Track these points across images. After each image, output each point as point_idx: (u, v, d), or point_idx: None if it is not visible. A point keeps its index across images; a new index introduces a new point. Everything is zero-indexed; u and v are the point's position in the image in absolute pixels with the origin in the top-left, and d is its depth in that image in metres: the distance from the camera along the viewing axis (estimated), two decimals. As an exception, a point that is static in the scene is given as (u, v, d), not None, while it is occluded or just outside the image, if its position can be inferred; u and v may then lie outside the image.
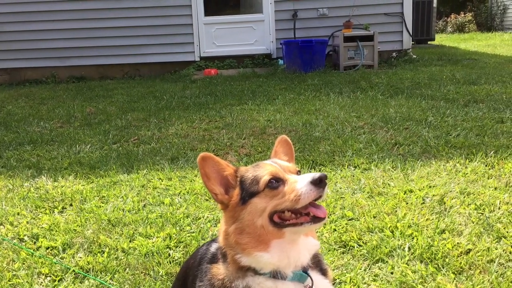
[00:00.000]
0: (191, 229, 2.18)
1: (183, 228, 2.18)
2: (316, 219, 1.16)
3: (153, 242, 2.05)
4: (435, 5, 11.02)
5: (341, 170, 2.82)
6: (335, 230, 2.11)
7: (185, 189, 2.63)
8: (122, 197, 2.54)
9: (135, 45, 7.45)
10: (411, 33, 7.43)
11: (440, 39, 12.97)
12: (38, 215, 2.38)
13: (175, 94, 5.57)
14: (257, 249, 1.17)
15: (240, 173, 1.24)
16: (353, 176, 2.72)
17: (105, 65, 7.55)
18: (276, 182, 1.18)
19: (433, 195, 2.38)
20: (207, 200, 2.48)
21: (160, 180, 2.79)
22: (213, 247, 1.30)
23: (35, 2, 7.29)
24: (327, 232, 2.10)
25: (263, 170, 1.20)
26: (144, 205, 2.45)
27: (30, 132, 4.08)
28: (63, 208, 2.45)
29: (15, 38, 7.37)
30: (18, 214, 2.38)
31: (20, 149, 3.57)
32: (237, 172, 1.25)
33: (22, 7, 7.28)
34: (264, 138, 3.58)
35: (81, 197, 2.57)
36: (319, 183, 1.14)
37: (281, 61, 7.18)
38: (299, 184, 1.16)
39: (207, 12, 7.50)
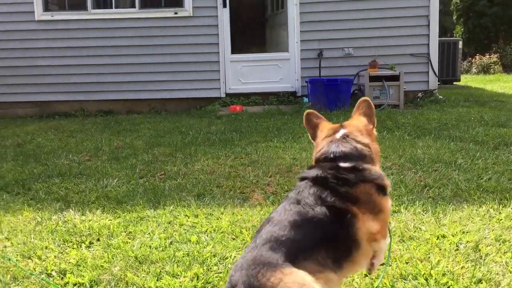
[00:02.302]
0: (218, 269, 2.14)
1: (210, 268, 2.15)
2: None
3: (181, 282, 2.02)
4: (460, 46, 11.03)
5: (370, 212, 2.77)
6: (366, 275, 2.05)
7: (212, 227, 2.61)
8: (149, 233, 2.53)
9: (162, 81, 7.60)
10: (437, 74, 7.41)
11: (465, 80, 12.91)
12: (66, 249, 2.38)
13: (201, 129, 5.62)
14: None
15: None
16: (383, 218, 2.67)
17: (132, 100, 7.70)
18: None
19: (467, 242, 2.31)
20: (233, 239, 2.45)
21: (187, 217, 2.78)
22: None
23: (66, 39, 7.53)
24: (358, 278, 2.04)
25: None
26: (171, 242, 2.43)
27: (59, 165, 4.14)
28: (90, 243, 2.45)
29: (46, 72, 7.59)
30: (46, 248, 2.38)
31: (49, 181, 3.62)
32: None
33: (54, 43, 7.53)
34: (290, 176, 3.56)
35: (108, 232, 2.56)
36: None
37: (306, 99, 7.22)
38: None
39: (234, 50, 7.64)
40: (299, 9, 7.35)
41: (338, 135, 1.63)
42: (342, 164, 1.53)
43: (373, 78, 6.75)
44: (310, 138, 1.78)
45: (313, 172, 1.55)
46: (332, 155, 1.57)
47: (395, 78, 6.76)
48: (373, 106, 1.78)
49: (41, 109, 7.69)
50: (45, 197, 3.23)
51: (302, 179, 1.57)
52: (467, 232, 2.42)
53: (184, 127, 5.85)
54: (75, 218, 2.79)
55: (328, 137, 1.65)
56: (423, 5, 7.20)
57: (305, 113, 1.79)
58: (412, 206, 2.81)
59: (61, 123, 6.73)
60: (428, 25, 7.23)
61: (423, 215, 2.68)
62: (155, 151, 4.59)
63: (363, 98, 1.81)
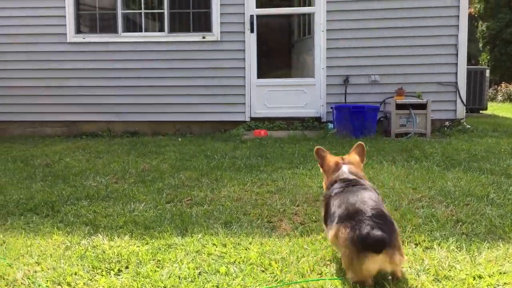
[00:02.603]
0: (248, 303, 2.11)
1: (240, 302, 2.11)
2: None
3: (211, 316, 1.99)
4: (487, 74, 10.92)
5: (401, 247, 2.71)
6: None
7: (240, 257, 2.58)
8: (178, 262, 2.51)
9: (188, 103, 7.68)
10: (465, 103, 7.32)
11: (492, 108, 12.74)
12: (95, 276, 2.37)
13: (226, 154, 5.63)
14: None
15: None
16: (415, 255, 2.60)
17: (158, 121, 7.79)
18: None
19: (505, 283, 2.23)
20: (263, 271, 2.42)
21: (215, 246, 2.76)
22: None
23: (96, 60, 7.69)
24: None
25: None
26: (199, 272, 2.41)
27: (87, 187, 4.18)
28: (119, 270, 2.44)
29: (76, 93, 7.75)
30: (75, 274, 2.38)
31: (78, 204, 3.65)
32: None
33: (84, 64, 7.69)
34: (318, 206, 3.51)
35: (137, 259, 2.55)
36: None
37: (330, 125, 7.20)
38: None
39: (259, 74, 7.69)
40: (326, 36, 7.39)
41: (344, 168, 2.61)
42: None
43: (399, 106, 6.70)
44: (320, 166, 2.74)
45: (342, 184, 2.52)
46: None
47: (422, 106, 6.71)
48: (365, 149, 2.75)
49: (69, 129, 7.83)
50: (74, 220, 3.25)
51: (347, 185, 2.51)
52: (504, 273, 2.34)
53: (209, 151, 5.87)
54: (103, 244, 2.79)
55: (335, 170, 2.62)
56: (451, 34, 7.17)
57: (315, 149, 2.71)
58: (445, 242, 2.74)
59: (88, 143, 6.82)
60: (457, 54, 7.19)
61: (457, 253, 2.61)
62: (181, 175, 4.60)
63: (359, 142, 2.75)
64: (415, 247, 2.71)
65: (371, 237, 2.05)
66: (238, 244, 2.79)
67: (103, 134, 7.67)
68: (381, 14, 7.29)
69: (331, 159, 2.65)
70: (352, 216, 2.19)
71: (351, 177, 2.54)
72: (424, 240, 2.79)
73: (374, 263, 2.07)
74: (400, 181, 4.17)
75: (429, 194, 3.76)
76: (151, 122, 7.79)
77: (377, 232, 2.06)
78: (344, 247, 2.15)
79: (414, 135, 6.56)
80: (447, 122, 7.26)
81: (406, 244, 2.75)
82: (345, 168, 2.59)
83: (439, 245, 2.72)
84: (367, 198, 2.31)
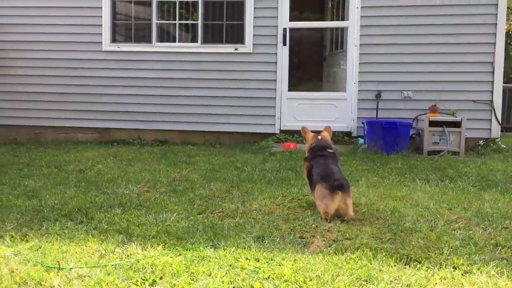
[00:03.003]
0: (283, 321, 2.08)
1: (275, 319, 2.08)
2: None
3: (246, 333, 1.97)
4: (523, 93, 10.67)
5: (438, 270, 2.64)
6: None
7: (274, 273, 2.55)
8: (212, 276, 2.50)
9: (218, 114, 7.72)
10: (500, 122, 7.15)
11: (526, 128, 12.41)
12: (130, 286, 2.38)
13: (256, 166, 5.62)
14: None
15: None
16: (454, 278, 2.53)
17: (188, 131, 7.84)
18: None
19: (551, 313, 2.15)
20: (297, 289, 2.39)
21: (248, 260, 2.74)
22: None
23: (129, 69, 7.81)
24: None
25: None
26: (233, 287, 2.39)
27: (119, 195, 4.22)
28: (153, 281, 2.44)
29: (109, 100, 7.88)
30: (111, 283, 2.39)
31: (111, 211, 3.68)
32: None
33: (118, 73, 7.82)
34: (350, 223, 3.46)
35: (171, 270, 2.55)
36: None
37: (361, 140, 7.12)
38: None
39: (291, 87, 7.69)
40: (359, 50, 7.34)
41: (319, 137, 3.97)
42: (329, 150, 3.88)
43: (432, 123, 6.59)
44: (304, 138, 4.15)
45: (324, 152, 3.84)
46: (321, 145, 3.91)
47: (456, 124, 6.58)
48: (331, 130, 4.21)
49: (100, 136, 7.95)
50: (107, 228, 3.28)
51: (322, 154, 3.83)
52: (549, 302, 2.25)
53: (239, 162, 5.87)
54: (137, 253, 2.80)
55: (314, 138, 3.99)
56: (488, 51, 7.04)
57: (301, 127, 4.19)
58: (485, 266, 2.66)
59: (119, 150, 6.91)
60: (493, 72, 7.04)
61: (498, 278, 2.53)
62: (212, 186, 4.60)
63: (327, 126, 4.29)
64: (454, 271, 2.64)
65: (336, 184, 3.46)
66: (271, 259, 2.76)
67: (133, 141, 7.76)
68: (416, 30, 7.21)
69: (311, 134, 4.07)
70: (326, 178, 3.55)
71: (323, 144, 3.93)
72: (463, 264, 2.71)
73: (336, 199, 3.43)
74: (435, 201, 4.08)
75: (465, 215, 3.67)
76: (180, 131, 7.85)
77: (339, 182, 3.49)
78: (320, 192, 3.53)
79: (447, 154, 6.43)
80: (481, 141, 7.10)
81: (444, 266, 2.68)
82: (320, 137, 3.98)
83: (478, 269, 2.64)
84: (335, 170, 3.69)
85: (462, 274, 2.59)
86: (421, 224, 3.42)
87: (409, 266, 2.68)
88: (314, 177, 3.65)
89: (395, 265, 2.69)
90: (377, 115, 7.23)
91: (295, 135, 7.54)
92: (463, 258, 2.79)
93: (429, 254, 2.86)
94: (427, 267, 2.68)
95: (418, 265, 2.70)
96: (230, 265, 2.67)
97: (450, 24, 7.13)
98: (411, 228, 3.33)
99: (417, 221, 3.51)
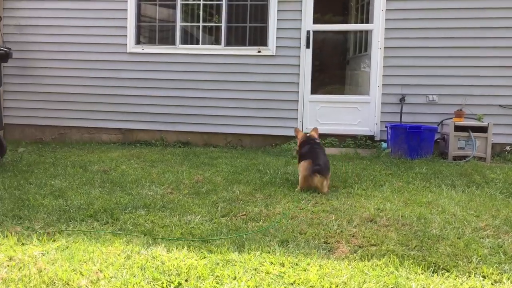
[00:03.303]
0: (310, 327, 2.06)
1: (302, 326, 2.06)
2: None
3: (273, 339, 1.95)
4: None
5: (467, 278, 2.59)
6: None
7: (300, 278, 2.53)
8: (237, 280, 2.50)
9: (240, 116, 7.72)
10: (528, 127, 7.00)
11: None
12: (156, 288, 2.39)
13: (278, 169, 5.60)
14: None
15: None
16: (484, 288, 2.48)
17: (209, 133, 7.86)
18: None
19: None
20: (323, 295, 2.36)
21: (273, 265, 2.72)
22: None
23: (153, 71, 7.87)
24: None
25: None
26: (259, 292, 2.38)
27: (143, 196, 4.25)
28: (179, 283, 2.45)
29: (132, 102, 7.95)
30: (137, 284, 2.40)
31: (135, 213, 3.71)
32: None
33: (142, 74, 7.89)
34: (375, 229, 3.42)
35: (196, 273, 2.55)
36: None
37: (384, 144, 7.04)
38: None
39: (313, 90, 7.65)
40: (383, 53, 7.26)
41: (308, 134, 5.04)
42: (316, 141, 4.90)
43: (458, 128, 6.48)
44: (296, 136, 5.12)
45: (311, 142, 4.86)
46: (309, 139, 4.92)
47: (482, 129, 6.46)
48: (318, 130, 5.11)
49: (124, 136, 8.03)
50: (132, 229, 3.30)
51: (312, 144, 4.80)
52: None
53: (261, 165, 5.86)
54: (162, 255, 2.81)
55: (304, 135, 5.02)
56: (517, 55, 6.90)
57: (295, 128, 5.27)
58: (515, 277, 2.59)
59: (142, 151, 6.97)
60: (521, 76, 6.90)
61: (530, 289, 2.47)
62: (234, 188, 4.60)
63: (315, 127, 5.23)
64: (483, 280, 2.59)
65: (316, 168, 4.44)
66: (296, 264, 2.74)
67: (156, 142, 7.82)
68: (442, 33, 7.10)
69: (302, 133, 5.12)
70: (310, 157, 4.57)
71: (310, 138, 4.94)
72: (492, 273, 2.66)
73: (315, 179, 4.44)
74: (461, 208, 4.01)
75: (493, 223, 3.59)
76: (203, 133, 7.88)
77: (319, 167, 4.45)
78: (303, 167, 4.57)
79: (473, 159, 6.31)
80: (508, 147, 6.96)
81: (473, 275, 2.62)
82: (308, 135, 5.02)
83: (508, 279, 2.59)
84: (320, 153, 4.66)
85: (492, 284, 2.54)
86: (448, 231, 3.36)
87: (437, 274, 2.63)
88: (302, 157, 4.69)
89: (422, 273, 2.65)
90: (401, 119, 7.14)
91: (317, 138, 7.51)
92: (492, 267, 2.74)
93: (457, 262, 2.80)
94: (455, 275, 2.63)
95: (447, 274, 2.65)
96: (255, 269, 2.66)
97: (476, 28, 7.01)
98: (438, 235, 3.27)
99: (444, 228, 3.45)
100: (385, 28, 7.26)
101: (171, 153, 6.83)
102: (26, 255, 2.79)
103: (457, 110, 6.76)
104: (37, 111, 8.19)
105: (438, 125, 6.99)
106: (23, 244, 3.00)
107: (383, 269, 2.68)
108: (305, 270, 2.66)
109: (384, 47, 7.27)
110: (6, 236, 3.12)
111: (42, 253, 2.82)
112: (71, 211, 3.73)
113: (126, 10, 7.86)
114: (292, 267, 2.71)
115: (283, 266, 2.72)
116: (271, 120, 7.63)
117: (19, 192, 4.32)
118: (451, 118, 6.77)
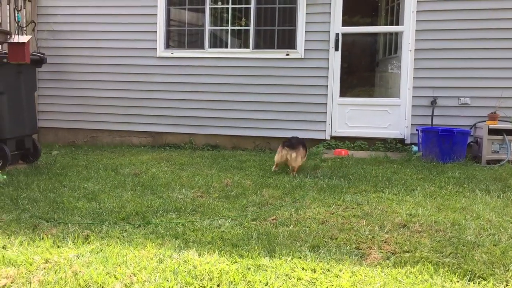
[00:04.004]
0: (344, 336, 2.03)
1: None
2: None
3: None
4: None
5: (505, 287, 2.52)
6: None
7: (332, 285, 2.51)
8: (269, 285, 2.49)
9: (268, 119, 7.72)
10: None
11: None
12: (188, 292, 2.40)
13: (307, 173, 5.57)
14: None
15: None
16: (523, 298, 2.41)
17: (238, 136, 7.88)
18: None
19: None
20: (356, 302, 2.33)
21: (304, 271, 2.71)
22: None
23: (182, 75, 7.95)
24: None
25: None
26: (291, 298, 2.37)
27: (174, 199, 4.29)
28: (211, 288, 2.46)
29: (162, 105, 8.05)
30: (170, 288, 2.43)
31: (167, 216, 3.75)
32: None
33: (171, 78, 7.98)
34: (408, 234, 3.37)
35: (228, 278, 2.56)
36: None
37: (415, 148, 6.93)
38: None
39: (342, 93, 7.59)
40: (414, 55, 7.16)
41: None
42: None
43: (492, 131, 6.33)
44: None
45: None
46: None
47: (518, 132, 6.30)
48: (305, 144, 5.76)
49: (153, 139, 8.14)
50: (164, 233, 3.33)
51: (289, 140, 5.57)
52: None
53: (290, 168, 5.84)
54: (194, 259, 2.83)
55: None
56: (553, 56, 6.70)
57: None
58: (556, 287, 2.51)
59: (171, 154, 7.04)
60: (558, 78, 6.69)
61: None
62: (264, 192, 4.60)
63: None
64: (522, 290, 2.51)
65: (286, 143, 5.36)
66: (328, 270, 2.72)
67: (185, 145, 7.89)
68: (474, 34, 6.95)
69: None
70: (284, 142, 5.44)
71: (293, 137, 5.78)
72: (532, 283, 2.58)
73: (283, 152, 5.34)
74: (497, 213, 3.91)
75: (531, 230, 3.49)
76: (231, 136, 7.91)
77: (289, 142, 5.38)
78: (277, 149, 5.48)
79: (507, 163, 6.16)
80: (544, 150, 6.75)
81: (510, 284, 2.55)
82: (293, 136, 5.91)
83: (550, 289, 2.50)
84: (294, 139, 5.55)
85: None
86: (483, 238, 3.29)
87: (474, 283, 2.57)
88: None
89: (458, 281, 2.59)
90: (432, 122, 7.02)
91: (346, 141, 7.46)
92: (532, 277, 2.66)
93: (494, 271, 2.73)
94: (493, 284, 2.56)
95: (483, 282, 2.59)
96: (287, 275, 2.65)
97: (510, 29, 6.84)
98: (473, 242, 3.20)
99: (479, 234, 3.37)
100: (416, 30, 7.15)
101: (200, 156, 6.88)
102: (61, 258, 2.84)
103: (490, 112, 6.61)
104: (70, 115, 8.38)
105: (471, 128, 6.84)
106: (58, 246, 3.06)
107: (417, 276, 2.64)
108: (337, 277, 2.64)
109: (415, 49, 7.16)
110: (42, 238, 3.20)
111: (77, 256, 2.87)
112: (104, 214, 3.80)
113: (156, 15, 7.97)
114: (324, 273, 2.69)
115: (315, 272, 2.70)
116: (299, 123, 7.61)
117: (54, 194, 4.42)
118: (484, 121, 6.62)
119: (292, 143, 5.35)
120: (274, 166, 5.62)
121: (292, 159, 5.27)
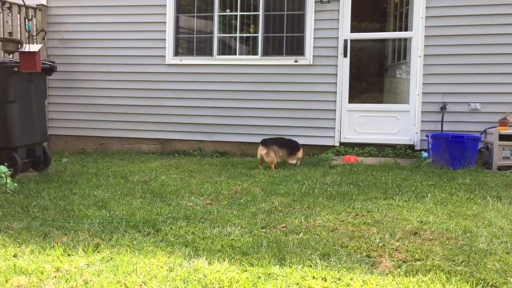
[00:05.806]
0: None
1: None
2: None
3: None
4: None
5: (519, 297, 2.49)
6: None
7: (343, 294, 2.49)
8: (279, 294, 2.48)
9: (276, 126, 7.72)
10: None
11: None
12: (199, 301, 2.40)
13: (317, 180, 5.55)
14: None
15: None
16: (537, 307, 2.37)
17: (246, 142, 7.89)
18: None
19: None
20: (368, 311, 2.31)
21: (315, 279, 2.69)
22: None
23: (191, 82, 7.98)
24: None
25: None
26: (302, 307, 2.35)
27: (183, 207, 4.29)
28: (221, 297, 2.45)
29: (171, 112, 8.08)
30: (180, 298, 2.42)
31: (176, 224, 3.75)
32: None
33: (180, 85, 8.00)
34: (419, 242, 3.34)
35: (238, 287, 2.55)
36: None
37: (424, 154, 6.89)
38: None
39: (351, 99, 7.58)
40: (423, 61, 7.13)
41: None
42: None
43: (503, 137, 6.29)
44: None
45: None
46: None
47: (529, 138, 6.24)
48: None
49: (162, 146, 8.16)
50: (174, 241, 3.33)
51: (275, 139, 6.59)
52: None
53: (299, 175, 5.83)
54: (204, 267, 2.83)
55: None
56: None
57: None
58: None
59: (180, 161, 7.05)
60: None
61: None
62: (273, 199, 4.59)
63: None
64: (536, 299, 2.48)
65: (262, 141, 6.26)
66: (339, 279, 2.70)
67: (194, 152, 7.90)
68: (484, 39, 6.92)
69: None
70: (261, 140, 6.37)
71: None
72: (545, 291, 2.54)
73: (259, 150, 6.28)
74: (509, 221, 3.87)
75: (545, 238, 3.44)
76: (240, 143, 7.92)
77: (264, 140, 6.29)
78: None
79: (518, 169, 6.10)
80: (556, 156, 6.68)
81: (524, 294, 2.52)
82: None
83: None
84: (284, 140, 6.51)
85: None
86: (496, 246, 3.25)
87: (487, 292, 2.54)
88: None
89: (471, 290, 2.56)
90: (442, 128, 6.98)
91: (356, 148, 7.43)
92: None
93: (507, 279, 2.70)
94: (506, 293, 2.53)
95: (496, 291, 2.55)
96: (297, 284, 2.63)
97: (521, 33, 6.81)
98: (486, 250, 3.16)
99: (491, 242, 3.34)
100: (425, 36, 7.13)
101: (209, 163, 6.88)
102: (72, 266, 2.85)
103: (501, 118, 6.56)
104: (79, 122, 8.43)
105: (481, 134, 6.79)
106: (69, 254, 3.07)
107: (429, 285, 2.61)
108: (348, 286, 2.62)
109: (424, 55, 7.14)
110: (53, 246, 3.21)
111: (87, 264, 2.88)
112: (114, 222, 3.80)
113: (165, 22, 8.02)
114: (334, 281, 2.67)
115: (325, 280, 2.68)
116: (308, 129, 7.60)
117: (64, 202, 4.44)
118: (495, 127, 6.57)
119: (265, 141, 6.25)
120: (259, 164, 6.50)
121: (264, 155, 6.21)
